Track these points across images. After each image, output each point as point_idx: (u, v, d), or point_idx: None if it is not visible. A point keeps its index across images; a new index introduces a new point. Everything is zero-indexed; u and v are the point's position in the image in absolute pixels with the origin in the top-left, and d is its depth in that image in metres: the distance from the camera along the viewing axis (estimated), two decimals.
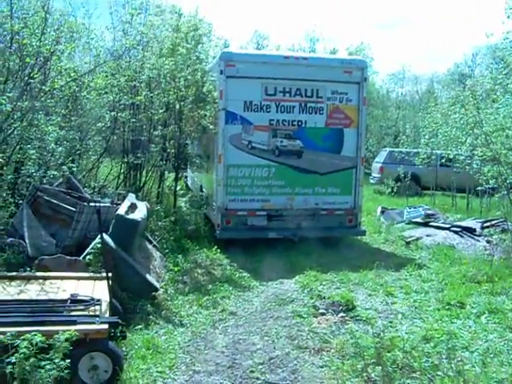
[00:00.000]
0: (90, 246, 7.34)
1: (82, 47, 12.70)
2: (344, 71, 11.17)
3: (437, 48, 70.51)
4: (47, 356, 4.16)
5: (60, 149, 9.70)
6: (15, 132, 8.57)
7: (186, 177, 17.59)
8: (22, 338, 4.17)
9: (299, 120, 11.03)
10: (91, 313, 5.24)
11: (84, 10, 12.83)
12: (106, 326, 4.88)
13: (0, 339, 4.12)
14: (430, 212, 14.30)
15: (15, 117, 8.38)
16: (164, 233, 10.15)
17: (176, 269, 8.21)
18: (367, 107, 12.19)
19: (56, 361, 4.15)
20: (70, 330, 4.49)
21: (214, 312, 7.34)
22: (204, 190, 12.88)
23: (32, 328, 4.47)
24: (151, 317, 6.74)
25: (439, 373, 5.13)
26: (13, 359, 4.07)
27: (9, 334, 4.22)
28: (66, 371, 4.14)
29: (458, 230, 12.27)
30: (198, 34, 12.13)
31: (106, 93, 12.25)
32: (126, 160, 12.84)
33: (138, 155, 12.18)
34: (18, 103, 8.37)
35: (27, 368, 4.01)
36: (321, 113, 11.11)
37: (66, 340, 4.28)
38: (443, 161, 19.39)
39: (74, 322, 4.87)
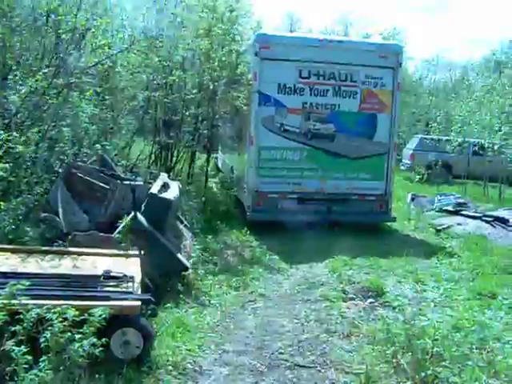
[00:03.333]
0: (122, 224, 7.40)
1: (115, 26, 12.71)
2: (379, 56, 11.06)
3: (474, 34, 69.20)
4: (80, 330, 4.21)
5: (93, 127, 9.79)
6: (50, 109, 8.65)
7: (216, 158, 17.63)
8: (54, 311, 4.22)
9: (332, 104, 10.96)
10: (124, 289, 5.29)
11: None
12: (138, 303, 4.91)
13: (37, 312, 4.17)
14: (461, 201, 14.11)
15: (51, 93, 8.44)
16: (195, 213, 10.20)
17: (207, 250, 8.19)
18: (401, 93, 12.04)
19: (89, 335, 4.20)
20: (103, 306, 4.54)
21: (243, 293, 7.37)
22: (235, 171, 12.89)
23: (67, 302, 4.52)
24: (181, 296, 6.76)
25: (469, 363, 5.05)
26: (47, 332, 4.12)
27: (45, 307, 4.27)
28: (99, 344, 4.18)
29: (490, 219, 12.05)
30: (234, 14, 12.07)
31: (139, 72, 12.29)
32: (157, 139, 12.91)
33: (170, 135, 12.23)
34: (54, 80, 8.45)
35: (61, 341, 4.06)
36: (354, 97, 11.02)
37: (100, 315, 4.31)
38: (476, 149, 19.13)
39: (108, 298, 4.91)
